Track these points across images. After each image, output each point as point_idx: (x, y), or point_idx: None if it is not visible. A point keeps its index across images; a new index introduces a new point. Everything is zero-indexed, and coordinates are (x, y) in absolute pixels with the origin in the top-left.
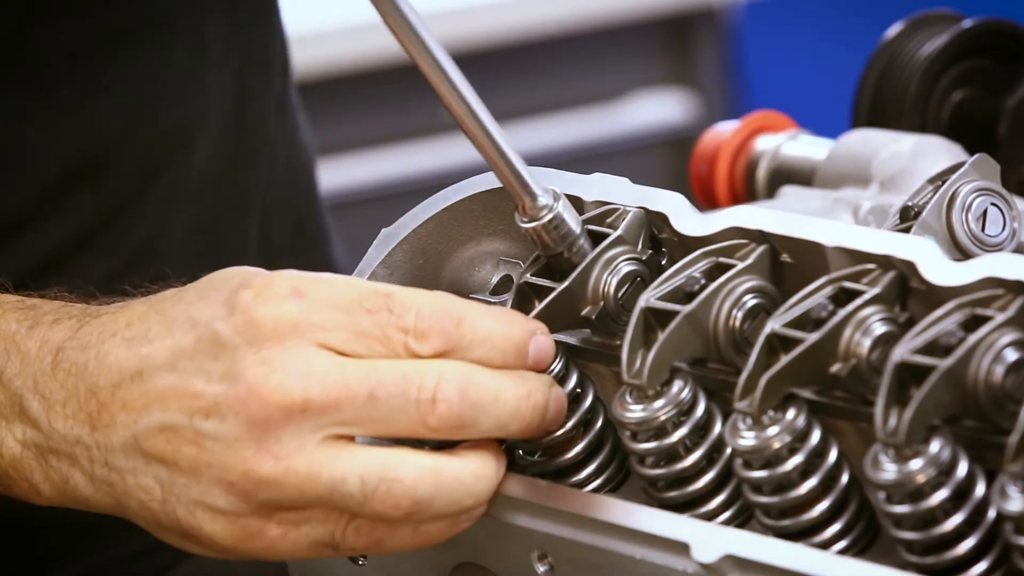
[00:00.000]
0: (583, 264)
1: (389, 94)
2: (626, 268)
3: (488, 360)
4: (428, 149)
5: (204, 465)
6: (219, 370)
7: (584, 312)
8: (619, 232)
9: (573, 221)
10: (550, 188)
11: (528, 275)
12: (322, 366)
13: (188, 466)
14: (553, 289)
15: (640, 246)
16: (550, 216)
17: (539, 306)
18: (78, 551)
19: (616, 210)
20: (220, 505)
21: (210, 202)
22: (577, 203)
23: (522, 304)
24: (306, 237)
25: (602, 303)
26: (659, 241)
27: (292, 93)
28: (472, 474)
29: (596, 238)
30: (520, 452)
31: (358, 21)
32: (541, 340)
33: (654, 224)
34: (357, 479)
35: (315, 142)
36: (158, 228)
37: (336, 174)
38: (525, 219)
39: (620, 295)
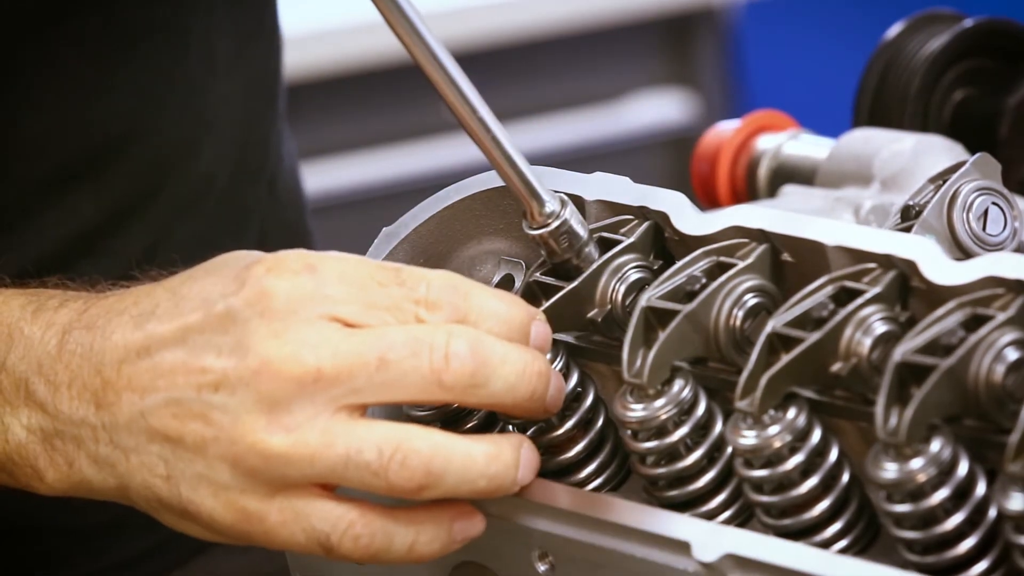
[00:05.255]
0: (593, 267)
1: (389, 94)
2: (635, 275)
3: (494, 333)
4: (428, 149)
5: (211, 439)
6: (229, 343)
7: (590, 315)
8: (631, 240)
9: (580, 227)
10: (557, 194)
11: (537, 274)
12: (333, 337)
13: (194, 441)
14: (561, 288)
15: (651, 256)
16: (557, 223)
17: (546, 304)
18: (78, 554)
19: (629, 220)
20: (224, 480)
21: (211, 215)
22: (578, 203)
23: (528, 302)
24: None
25: (609, 307)
26: (670, 255)
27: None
28: (484, 454)
29: (607, 245)
30: None
31: (358, 21)
32: (540, 326)
33: (664, 236)
34: (374, 448)
35: (297, 160)
36: (159, 236)
37: (337, 174)
38: (533, 226)
39: (627, 302)
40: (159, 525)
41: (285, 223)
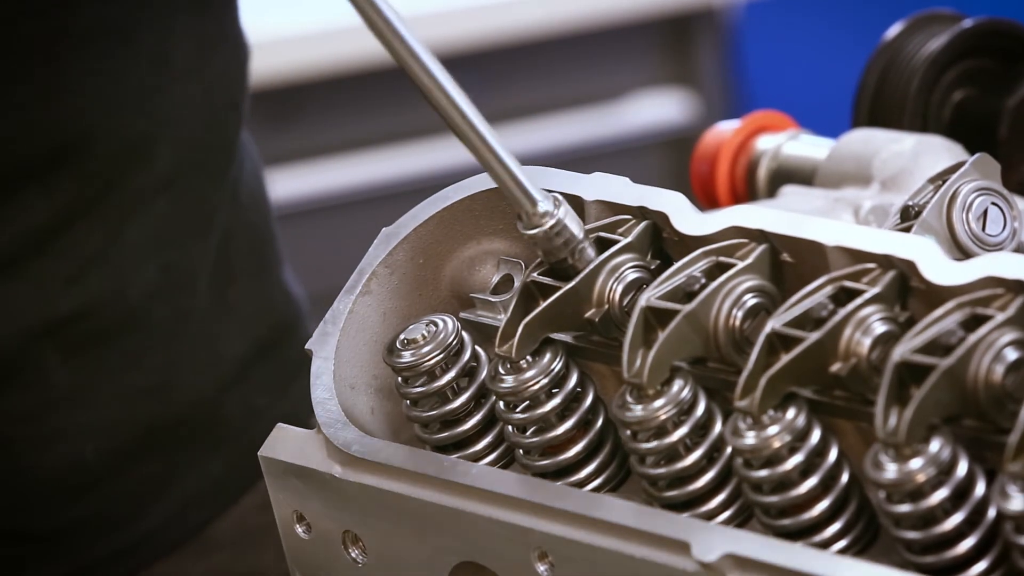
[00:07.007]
0: (590, 267)
1: (389, 94)
2: (632, 276)
3: None
4: (427, 149)
5: None
6: None
7: (588, 315)
8: (628, 240)
9: (575, 226)
10: (551, 193)
11: (534, 274)
12: None
13: None
14: (558, 288)
15: (649, 256)
16: (552, 222)
17: (543, 304)
18: (41, 558)
19: (627, 220)
20: None
21: (168, 215)
22: (577, 203)
23: (526, 303)
24: (262, 260)
25: (606, 307)
26: (667, 255)
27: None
28: None
29: (605, 244)
30: (520, 452)
31: (357, 21)
32: None
33: (662, 236)
34: None
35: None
36: (112, 235)
37: (337, 174)
38: (526, 226)
39: (625, 302)
40: (125, 528)
41: (249, 225)
